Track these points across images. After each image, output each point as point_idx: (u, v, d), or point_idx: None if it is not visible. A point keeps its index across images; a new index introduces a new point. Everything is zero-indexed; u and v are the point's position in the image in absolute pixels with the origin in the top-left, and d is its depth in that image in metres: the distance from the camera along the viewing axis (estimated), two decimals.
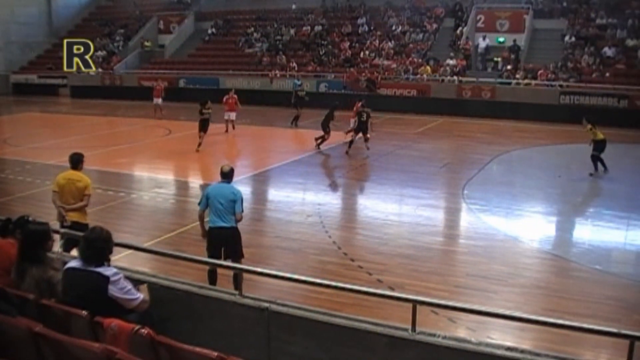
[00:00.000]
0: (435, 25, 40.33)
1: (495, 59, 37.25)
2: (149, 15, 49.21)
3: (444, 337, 5.44)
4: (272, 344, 5.99)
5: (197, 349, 4.69)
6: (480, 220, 14.65)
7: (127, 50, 46.53)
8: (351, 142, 22.03)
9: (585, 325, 6.02)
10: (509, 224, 14.66)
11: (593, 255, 12.36)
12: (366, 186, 18.83)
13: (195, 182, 19.34)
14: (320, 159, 22.03)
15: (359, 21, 42.29)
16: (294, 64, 39.80)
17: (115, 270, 5.74)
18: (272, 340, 5.99)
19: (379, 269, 11.07)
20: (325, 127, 22.74)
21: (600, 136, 19.43)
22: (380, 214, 15.14)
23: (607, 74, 33.00)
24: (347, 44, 40.54)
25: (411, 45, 39.21)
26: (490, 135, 27.24)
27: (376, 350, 5.57)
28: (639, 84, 31.31)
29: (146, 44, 46.69)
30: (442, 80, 35.79)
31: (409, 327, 5.49)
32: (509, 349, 5.29)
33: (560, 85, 33.01)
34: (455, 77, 35.46)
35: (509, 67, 35.54)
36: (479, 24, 39.03)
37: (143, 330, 5.00)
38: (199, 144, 21.61)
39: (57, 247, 7.36)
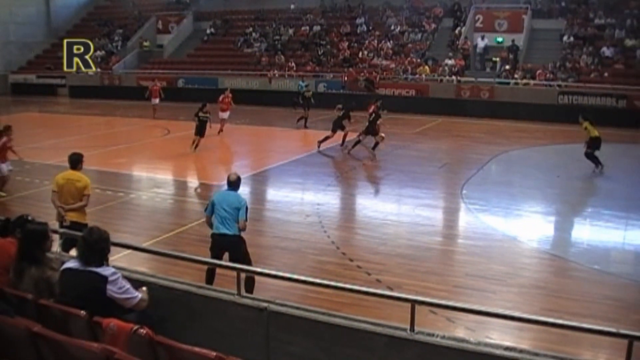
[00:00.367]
0: (433, 25, 40.38)
1: (494, 59, 37.29)
2: (148, 15, 49.21)
3: (443, 337, 5.44)
4: (271, 343, 5.99)
5: (196, 349, 4.69)
6: (479, 220, 14.65)
7: (125, 50, 46.54)
8: (357, 142, 21.96)
9: (583, 325, 6.02)
10: (507, 224, 14.66)
11: (592, 255, 12.37)
12: (365, 186, 18.84)
13: (194, 182, 19.34)
14: (320, 159, 22.02)
15: (358, 21, 42.31)
16: (293, 64, 39.84)
17: (113, 270, 5.74)
18: (271, 340, 5.98)
19: (377, 269, 11.07)
20: (336, 127, 22.78)
21: (596, 133, 19.54)
22: (379, 214, 15.14)
23: (606, 74, 33.05)
24: (345, 44, 40.57)
25: (410, 45, 39.26)
26: (488, 135, 27.25)
27: (375, 350, 5.57)
28: (638, 84, 31.35)
29: (145, 44, 46.71)
30: (441, 80, 35.83)
31: (408, 327, 5.49)
32: (507, 348, 5.30)
33: (559, 85, 33.05)
34: (453, 77, 35.50)
35: (507, 67, 35.58)
36: (478, 24, 39.05)
37: (142, 330, 5.00)
38: (196, 146, 21.49)
39: (56, 247, 7.36)
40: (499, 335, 8.36)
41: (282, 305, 6.05)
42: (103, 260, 5.76)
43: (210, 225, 9.50)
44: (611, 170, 19.90)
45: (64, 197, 9.96)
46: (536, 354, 5.16)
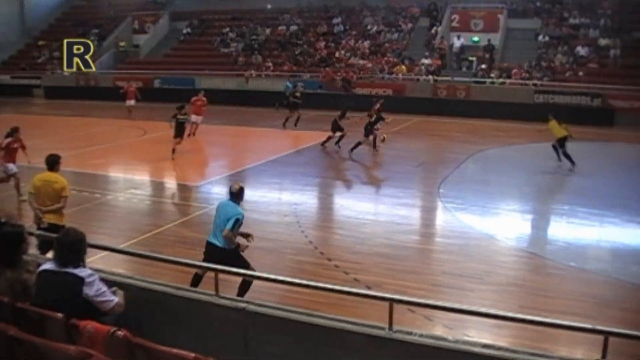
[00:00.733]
0: (410, 25, 40.50)
1: (470, 58, 37.52)
2: (124, 15, 48.81)
3: (421, 336, 5.45)
4: (250, 344, 5.96)
5: (175, 351, 4.66)
6: (456, 219, 14.72)
7: (101, 51, 46.09)
8: (358, 143, 21.98)
9: (560, 322, 6.08)
10: (484, 222, 14.73)
11: (568, 252, 12.46)
12: (342, 185, 18.86)
13: (170, 183, 19.24)
14: (297, 158, 22.02)
15: (335, 21, 42.34)
16: (270, 64, 39.79)
17: (90, 271, 5.68)
18: (249, 341, 5.96)
19: (355, 268, 11.08)
20: (335, 127, 22.83)
21: (563, 133, 19.81)
22: (357, 213, 15.17)
23: (581, 73, 33.38)
24: (322, 44, 40.59)
25: (386, 45, 39.35)
26: (465, 134, 27.38)
27: (354, 349, 5.57)
28: (612, 83, 31.71)
29: (121, 44, 46.38)
30: (418, 80, 35.97)
31: (386, 325, 5.50)
32: (485, 346, 5.31)
33: (535, 84, 33.30)
34: (430, 77, 35.65)
35: (483, 66, 35.81)
36: (454, 24, 39.30)
37: (120, 332, 4.96)
38: (174, 150, 20.95)
39: (32, 249, 7.29)
40: (477, 333, 8.41)
41: (260, 305, 6.03)
42: (80, 262, 5.70)
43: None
44: (587, 168, 20.08)
45: (41, 199, 9.88)
46: (514, 351, 5.18)
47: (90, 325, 5.10)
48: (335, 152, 22.45)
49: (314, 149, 23.33)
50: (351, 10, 43.33)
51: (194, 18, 47.21)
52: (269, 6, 45.39)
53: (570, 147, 19.87)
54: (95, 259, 9.16)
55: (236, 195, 9.29)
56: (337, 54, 39.49)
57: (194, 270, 8.94)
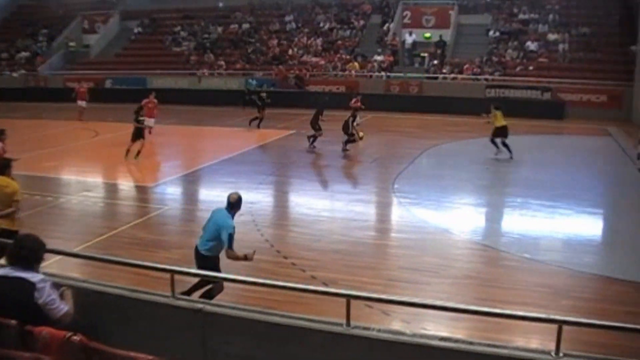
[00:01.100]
0: (362, 22, 40.65)
1: (422, 54, 37.86)
2: (73, 15, 47.93)
3: (379, 330, 5.47)
4: (208, 344, 5.93)
5: (132, 354, 4.61)
6: (411, 214, 14.81)
7: (51, 51, 45.32)
8: (353, 140, 22.07)
9: (515, 313, 6.15)
10: (439, 217, 14.84)
11: (522, 244, 12.61)
12: (297, 183, 18.83)
13: (124, 185, 18.99)
14: (251, 157, 21.96)
15: (287, 18, 42.28)
16: (222, 63, 39.59)
17: (42, 277, 5.56)
18: (207, 341, 5.93)
19: (312, 266, 11.08)
20: (315, 125, 22.70)
21: (502, 122, 20.27)
22: (312, 211, 15.17)
23: (531, 68, 33.89)
24: (275, 42, 40.50)
25: (339, 42, 39.42)
26: (418, 129, 27.59)
27: (313, 346, 5.58)
28: (561, 77, 32.28)
29: (71, 44, 45.61)
30: (371, 76, 36.13)
31: (344, 321, 5.51)
32: (443, 339, 5.36)
33: (486, 79, 33.69)
34: (383, 73, 35.83)
35: (435, 62, 36.14)
36: (406, 20, 39.54)
37: (75, 337, 4.89)
38: (128, 151, 20.41)
39: None
40: (434, 326, 8.47)
41: (218, 305, 6.00)
42: (31, 266, 5.60)
43: None
44: (539, 161, 20.38)
45: None
46: (471, 343, 5.24)
47: (45, 331, 5.02)
48: (287, 150, 22.41)
49: (268, 147, 23.28)
50: (303, 8, 43.29)
51: (144, 17, 46.67)
52: (220, 4, 45.14)
53: (522, 140, 20.16)
54: (49, 264, 8.98)
55: (233, 206, 8.95)
56: (289, 52, 39.44)
57: (148, 272, 8.84)
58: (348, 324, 5.50)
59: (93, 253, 10.30)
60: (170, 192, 17.59)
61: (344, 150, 22.16)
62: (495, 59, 35.02)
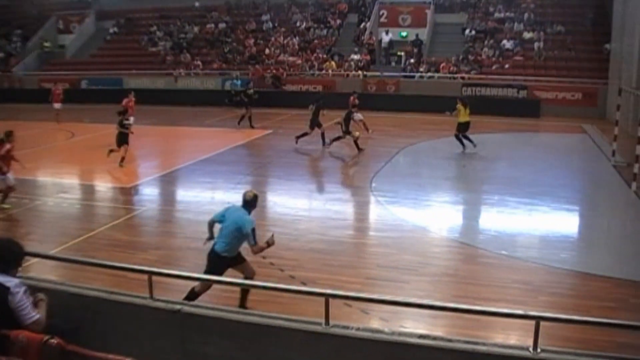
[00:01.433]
0: (339, 21, 40.69)
1: (399, 53, 38.01)
2: (48, 15, 47.58)
3: (358, 329, 5.49)
4: (187, 345, 5.91)
5: (110, 356, 4.60)
6: (389, 212, 14.84)
7: (25, 52, 44.94)
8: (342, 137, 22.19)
9: (494, 310, 6.20)
10: (417, 215, 14.89)
11: (499, 241, 12.69)
12: (275, 183, 18.79)
13: (100, 186, 18.82)
14: (228, 157, 21.88)
15: (263, 18, 42.21)
16: (199, 62, 39.45)
17: (17, 282, 5.51)
18: (186, 342, 5.91)
19: (291, 265, 11.06)
20: (316, 124, 22.75)
21: (466, 118, 20.53)
22: (290, 210, 15.17)
23: (507, 66, 34.14)
24: (251, 41, 40.43)
25: (316, 41, 39.43)
26: (396, 128, 27.65)
27: (292, 345, 5.58)
28: (537, 75, 32.55)
29: (45, 44, 45.21)
30: (347, 75, 36.14)
31: (323, 321, 5.51)
32: (421, 336, 5.38)
33: (462, 78, 33.84)
34: (360, 72, 35.85)
35: (412, 60, 36.26)
36: (382, 19, 39.67)
37: (53, 341, 4.87)
38: (122, 159, 19.70)
39: None
40: (413, 324, 8.50)
41: (196, 306, 5.99)
42: (9, 271, 5.55)
43: (210, 225, 9.20)
44: (515, 159, 20.51)
45: None
46: (449, 340, 5.26)
47: (22, 334, 5.00)
48: (267, 150, 22.36)
49: (245, 147, 23.23)
50: (280, 7, 43.28)
51: (120, 17, 46.40)
52: (196, 4, 44.98)
53: (499, 138, 20.28)
54: (25, 267, 8.91)
55: (249, 204, 8.94)
56: (266, 51, 39.37)
57: (126, 274, 8.77)
58: (327, 323, 5.51)
59: (70, 255, 10.22)
60: (148, 193, 17.51)
61: (327, 145, 22.48)
62: (471, 57, 35.21)
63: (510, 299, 9.47)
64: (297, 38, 39.87)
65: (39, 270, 9.02)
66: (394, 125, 28.44)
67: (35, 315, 5.47)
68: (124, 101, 23.91)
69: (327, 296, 5.65)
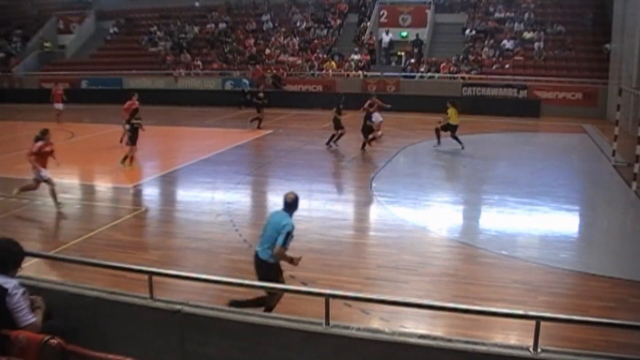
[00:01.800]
0: (339, 21, 40.71)
1: (399, 53, 38.05)
2: (48, 15, 47.66)
3: (358, 329, 5.48)
4: (187, 346, 5.91)
5: (110, 356, 4.59)
6: (389, 212, 14.83)
7: (25, 52, 44.99)
8: (373, 137, 22.13)
9: (493, 310, 6.19)
10: (417, 215, 14.88)
11: (499, 241, 12.68)
12: (275, 183, 18.77)
13: (101, 186, 18.82)
14: (228, 157, 21.87)
15: (264, 18, 42.23)
16: (199, 62, 39.46)
17: (16, 283, 5.51)
18: (186, 342, 5.90)
19: (290, 265, 11.04)
20: (341, 125, 22.68)
21: (457, 121, 20.76)
22: None
23: (507, 66, 34.15)
24: (252, 41, 40.46)
25: (316, 41, 39.45)
26: (395, 128, 27.60)
27: (292, 345, 5.57)
28: (537, 75, 32.56)
29: (46, 44, 45.26)
30: (347, 75, 36.16)
31: (323, 321, 5.51)
32: (422, 336, 5.37)
33: (463, 78, 33.83)
34: (360, 72, 35.87)
35: (412, 60, 36.26)
36: (382, 19, 39.69)
37: (53, 341, 4.86)
38: (131, 159, 19.63)
39: None
40: (413, 324, 8.49)
41: (195, 306, 5.98)
42: (9, 272, 5.55)
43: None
44: (515, 159, 20.50)
45: None
46: (449, 340, 5.25)
47: (22, 334, 4.99)
48: (267, 150, 22.33)
49: (245, 147, 23.21)
50: (280, 7, 43.32)
51: (120, 17, 46.46)
52: (197, 4, 45.02)
53: (499, 138, 20.26)
54: (25, 267, 8.91)
55: (290, 206, 8.73)
56: (266, 51, 39.40)
57: (126, 274, 8.76)
58: (327, 323, 5.50)
59: (70, 255, 10.21)
60: (148, 193, 17.49)
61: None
62: (471, 57, 35.21)
63: (510, 299, 9.46)
64: (297, 38, 39.89)
65: (39, 270, 9.01)
66: (394, 125, 28.36)
67: (31, 318, 5.47)
68: (127, 104, 23.19)
69: (328, 296, 5.64)
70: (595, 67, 32.25)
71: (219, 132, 27.08)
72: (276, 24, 41.76)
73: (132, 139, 19.66)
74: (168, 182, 18.46)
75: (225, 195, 16.44)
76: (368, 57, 36.89)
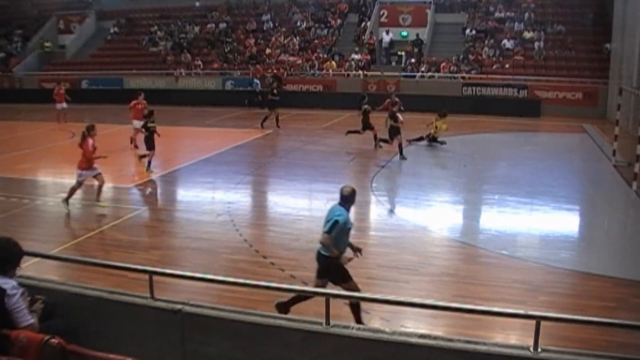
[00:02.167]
0: (339, 21, 40.69)
1: (399, 52, 38.01)
2: (48, 15, 47.62)
3: (358, 329, 5.49)
4: (187, 345, 5.91)
5: (111, 356, 4.59)
6: (389, 212, 14.85)
7: (26, 52, 44.96)
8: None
9: (494, 309, 6.19)
10: (417, 214, 14.90)
11: (499, 241, 12.69)
12: (276, 183, 18.79)
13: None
14: (229, 157, 21.87)
15: (264, 17, 42.22)
16: (199, 62, 39.45)
17: (14, 284, 5.50)
18: (187, 342, 5.91)
19: (291, 265, 11.06)
20: (368, 126, 22.71)
21: (443, 130, 22.11)
22: (291, 210, 15.15)
23: (507, 65, 34.14)
24: (252, 41, 40.44)
25: (316, 41, 39.43)
26: None
27: (292, 345, 5.58)
28: (537, 74, 32.56)
29: (46, 44, 45.23)
30: (348, 75, 36.15)
31: (323, 320, 5.51)
32: (422, 336, 5.38)
33: (463, 77, 33.83)
34: (360, 72, 35.86)
35: (412, 60, 36.24)
36: (383, 19, 39.68)
37: (53, 340, 4.86)
38: (149, 163, 19.23)
39: None
40: (413, 324, 8.50)
41: (196, 306, 5.98)
42: (8, 272, 5.54)
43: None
44: (515, 159, 20.50)
45: None
46: (450, 340, 5.26)
47: (22, 334, 4.99)
48: (267, 150, 22.33)
49: (245, 147, 23.21)
50: (280, 7, 43.29)
51: (121, 17, 46.41)
52: (197, 4, 44.99)
53: (499, 138, 20.25)
54: (26, 267, 8.91)
55: (346, 199, 8.41)
56: (267, 51, 39.38)
57: (127, 273, 8.77)
58: (327, 322, 5.51)
59: (70, 255, 10.22)
60: (148, 193, 17.50)
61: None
62: (471, 57, 35.19)
63: (510, 299, 9.47)
64: (297, 38, 39.88)
65: (40, 270, 8.99)
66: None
67: (30, 319, 5.47)
68: (132, 102, 23.01)
69: (328, 296, 5.66)
70: (596, 67, 32.25)
71: (219, 132, 27.09)
72: (276, 24, 41.75)
73: (149, 143, 19.19)
74: (168, 182, 18.47)
75: (226, 195, 16.45)
76: (368, 57, 36.87)
